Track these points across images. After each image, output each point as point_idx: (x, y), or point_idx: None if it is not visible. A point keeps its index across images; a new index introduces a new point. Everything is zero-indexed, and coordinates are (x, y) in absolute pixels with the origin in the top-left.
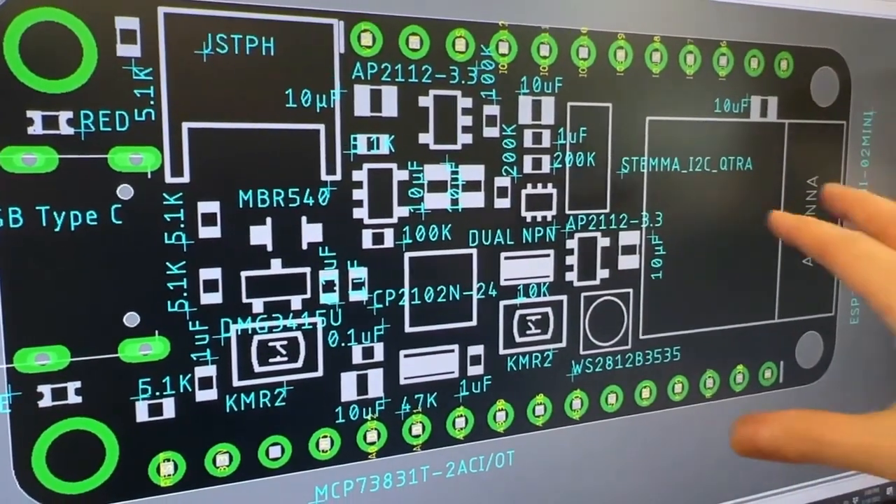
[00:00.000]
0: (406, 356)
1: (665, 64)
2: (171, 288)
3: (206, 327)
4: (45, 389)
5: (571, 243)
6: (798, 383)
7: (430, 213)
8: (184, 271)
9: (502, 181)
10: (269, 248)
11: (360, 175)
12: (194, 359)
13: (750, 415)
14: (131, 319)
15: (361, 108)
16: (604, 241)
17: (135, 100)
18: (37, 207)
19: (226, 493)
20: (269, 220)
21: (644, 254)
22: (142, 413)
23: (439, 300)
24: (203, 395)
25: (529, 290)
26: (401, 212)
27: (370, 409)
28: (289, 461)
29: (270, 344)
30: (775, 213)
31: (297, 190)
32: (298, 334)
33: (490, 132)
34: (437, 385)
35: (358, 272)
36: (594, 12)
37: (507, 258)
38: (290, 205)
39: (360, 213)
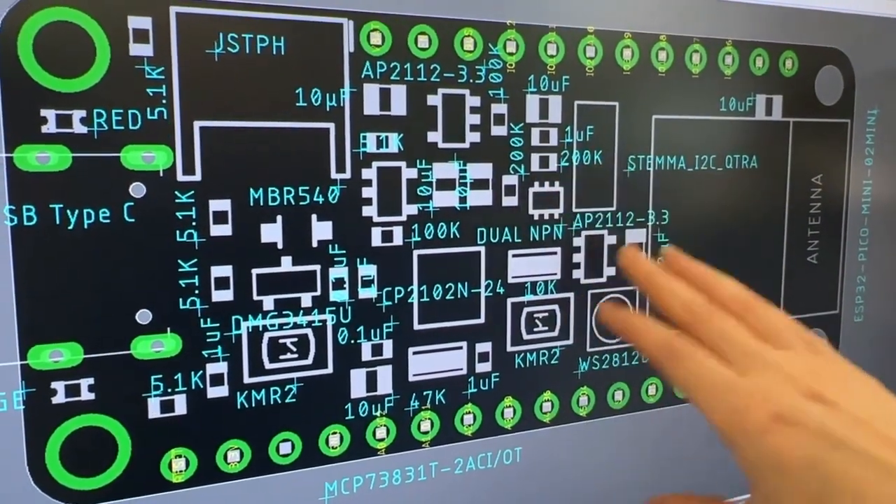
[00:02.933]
0: (415, 353)
1: (671, 63)
2: (183, 285)
3: (218, 324)
4: (58, 386)
5: (578, 241)
6: None
7: (438, 210)
8: (195, 269)
9: (510, 179)
10: (280, 246)
11: (369, 173)
12: (206, 356)
13: (658, 498)
14: (143, 317)
15: (371, 106)
16: (610, 239)
17: (147, 99)
18: (50, 205)
19: (237, 489)
20: (279, 217)
21: (650, 251)
22: (154, 409)
23: (448, 297)
24: (214, 392)
25: (537, 288)
26: (409, 210)
27: (379, 405)
28: (299, 457)
29: (281, 341)
30: (605, 307)
31: (307, 188)
32: (308, 331)
33: (498, 130)
34: (445, 382)
35: (367, 270)
36: (601, 12)
37: (514, 256)
38: (301, 203)
39: (370, 210)
